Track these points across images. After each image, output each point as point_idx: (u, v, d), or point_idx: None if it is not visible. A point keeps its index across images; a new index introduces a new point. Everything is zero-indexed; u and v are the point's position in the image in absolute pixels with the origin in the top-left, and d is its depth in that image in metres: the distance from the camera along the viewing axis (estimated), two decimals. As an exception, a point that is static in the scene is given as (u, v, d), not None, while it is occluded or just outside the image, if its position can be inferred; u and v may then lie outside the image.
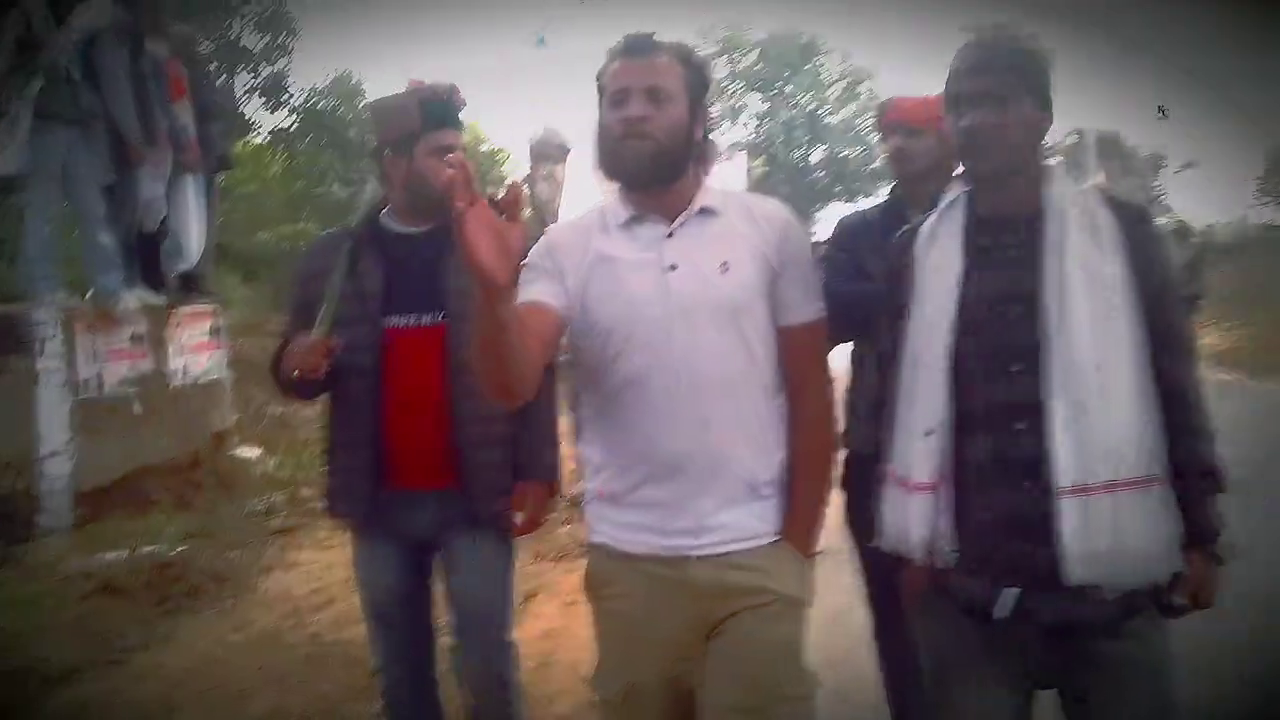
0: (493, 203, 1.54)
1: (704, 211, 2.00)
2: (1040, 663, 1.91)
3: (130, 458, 6.26)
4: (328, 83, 16.03)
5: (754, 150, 27.55)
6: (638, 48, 1.96)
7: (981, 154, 1.89)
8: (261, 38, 14.73)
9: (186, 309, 6.80)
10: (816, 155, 30.94)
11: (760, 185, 26.47)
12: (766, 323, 1.99)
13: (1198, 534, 1.87)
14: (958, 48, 1.93)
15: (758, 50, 30.79)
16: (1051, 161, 1.98)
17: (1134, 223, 1.90)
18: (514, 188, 1.60)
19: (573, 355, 2.05)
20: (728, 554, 1.94)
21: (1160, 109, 13.99)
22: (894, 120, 2.93)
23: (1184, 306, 2.01)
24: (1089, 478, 1.77)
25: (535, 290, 1.95)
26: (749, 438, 1.97)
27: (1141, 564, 1.79)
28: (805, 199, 28.79)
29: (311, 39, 15.85)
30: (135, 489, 6.27)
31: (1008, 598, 1.83)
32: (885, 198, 3.09)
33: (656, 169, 1.93)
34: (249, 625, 4.68)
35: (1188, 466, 1.88)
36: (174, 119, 6.38)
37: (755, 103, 31.31)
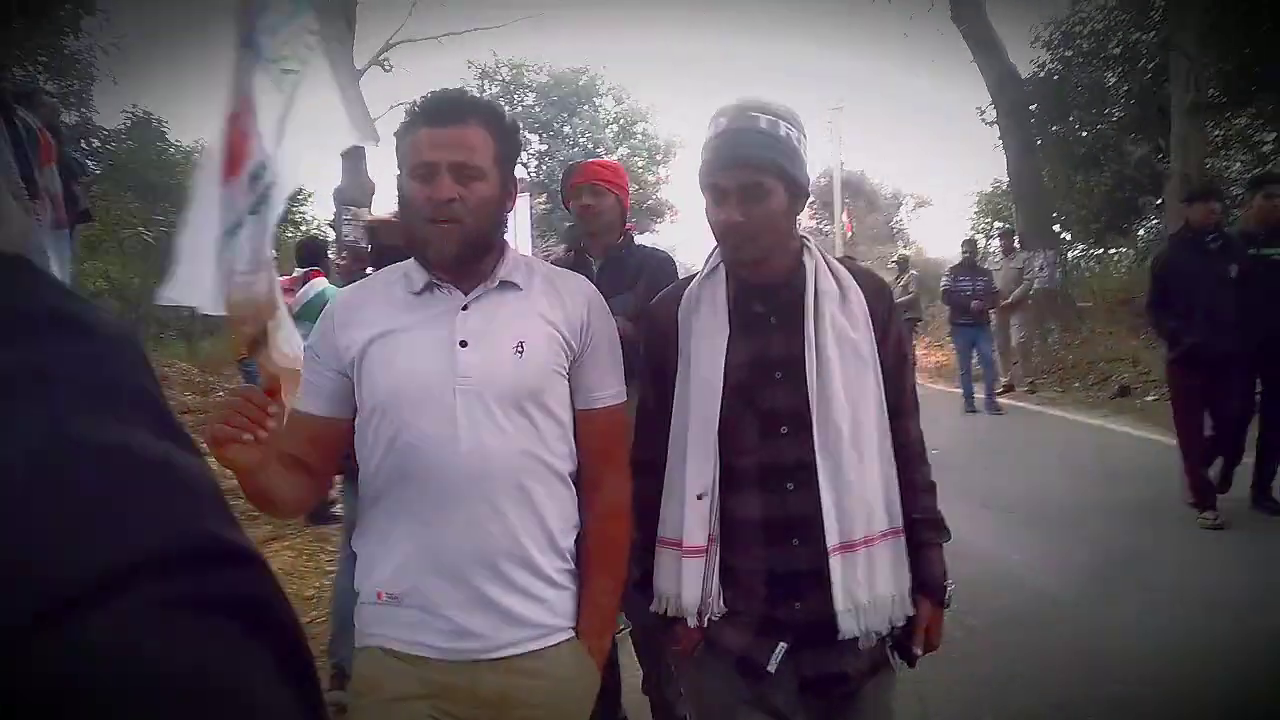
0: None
1: (504, 285, 1.85)
2: (802, 709, 1.96)
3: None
4: (127, 126, 16.40)
5: (536, 188, 29.10)
6: (445, 116, 1.77)
7: (737, 247, 1.90)
8: (57, 84, 14.91)
9: (53, 345, 7.66)
10: (595, 192, 32.41)
11: (543, 221, 28.04)
12: (563, 406, 1.87)
13: (926, 581, 1.99)
14: (709, 134, 1.89)
15: (534, 93, 32.27)
16: (805, 233, 2.01)
17: (875, 293, 1.97)
18: (269, 391, 1.69)
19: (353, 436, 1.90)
20: (519, 657, 1.80)
21: (980, 111, 16.14)
22: (581, 182, 3.44)
23: (911, 367, 2.10)
24: (850, 535, 1.85)
25: (312, 396, 1.87)
26: (540, 527, 1.82)
27: (889, 611, 1.89)
28: (586, 233, 30.39)
29: (108, 84, 15.95)
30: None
31: (779, 652, 1.89)
32: (568, 250, 3.59)
33: (465, 253, 1.78)
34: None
35: (916, 518, 1.99)
36: (46, 180, 7.32)
37: (535, 143, 32.82)
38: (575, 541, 1.92)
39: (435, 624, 1.78)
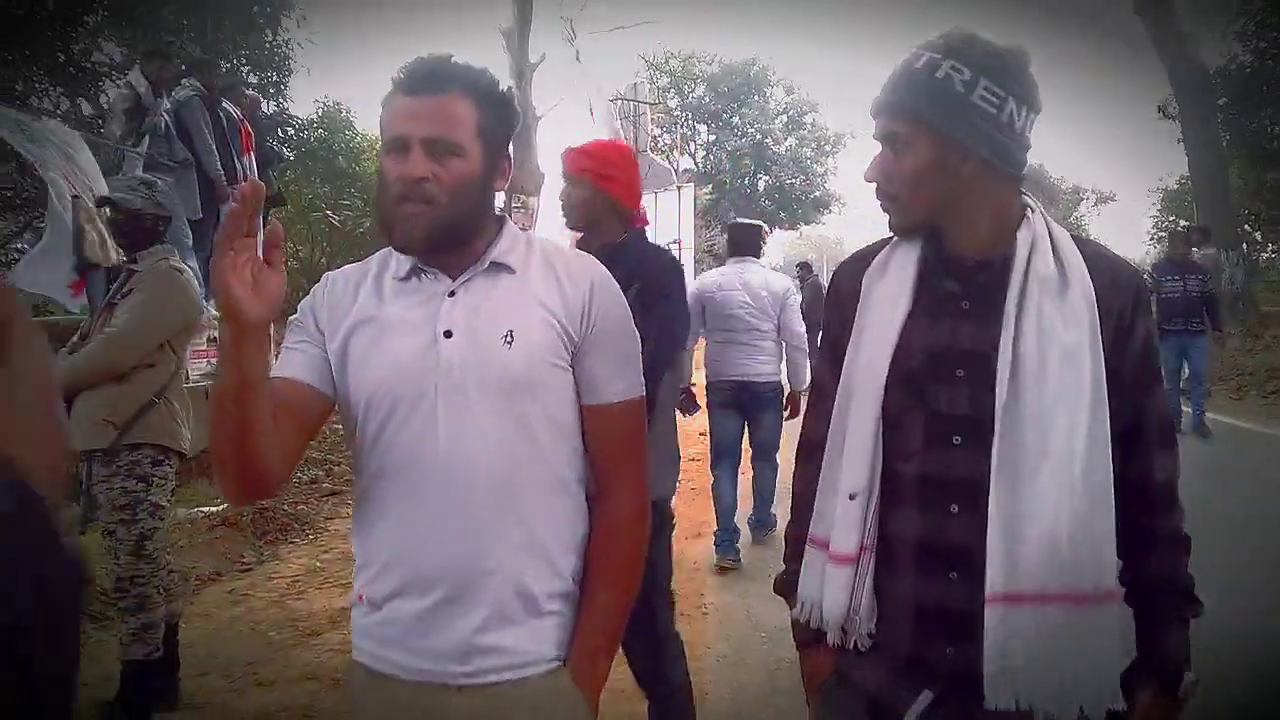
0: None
1: (495, 266, 1.66)
2: None
3: (207, 436, 7.86)
4: (318, 115, 17.45)
5: (701, 179, 29.41)
6: (421, 83, 1.59)
7: (888, 206, 1.62)
8: (257, 77, 15.96)
9: (246, 318, 8.40)
10: (762, 183, 32.64)
11: (708, 212, 28.30)
12: (562, 403, 1.66)
13: (1156, 664, 1.60)
14: None
15: (705, 83, 32.57)
16: (1029, 200, 1.62)
17: (1114, 286, 1.56)
18: (274, 231, 1.39)
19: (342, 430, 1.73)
20: (495, 684, 1.62)
21: (1161, 109, 15.60)
22: (564, 171, 3.00)
23: (1160, 386, 1.65)
24: (1021, 585, 1.47)
25: (292, 362, 1.66)
26: (530, 542, 1.62)
27: (1074, 693, 1.47)
28: (751, 224, 30.83)
29: (303, 76, 16.99)
30: (210, 461, 7.88)
31: (923, 700, 1.57)
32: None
33: (437, 239, 1.59)
34: (332, 549, 6.35)
35: (1152, 581, 1.60)
36: (245, 167, 8.03)
37: (703, 133, 33.15)
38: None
39: (405, 640, 1.62)
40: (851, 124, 33.60)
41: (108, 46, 12.08)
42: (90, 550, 5.10)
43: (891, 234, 1.68)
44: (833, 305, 1.78)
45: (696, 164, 31.83)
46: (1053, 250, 1.55)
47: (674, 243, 15.58)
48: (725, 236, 6.83)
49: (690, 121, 32.74)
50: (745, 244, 6.12)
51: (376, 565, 1.64)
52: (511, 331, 1.59)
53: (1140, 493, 1.57)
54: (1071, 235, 1.61)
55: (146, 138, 7.39)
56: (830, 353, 1.75)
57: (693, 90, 32.64)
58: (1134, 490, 1.56)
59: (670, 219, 18.83)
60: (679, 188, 21.42)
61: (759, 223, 6.74)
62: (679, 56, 31.99)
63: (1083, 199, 36.32)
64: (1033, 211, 1.60)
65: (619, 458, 1.72)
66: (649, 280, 2.79)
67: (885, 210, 1.62)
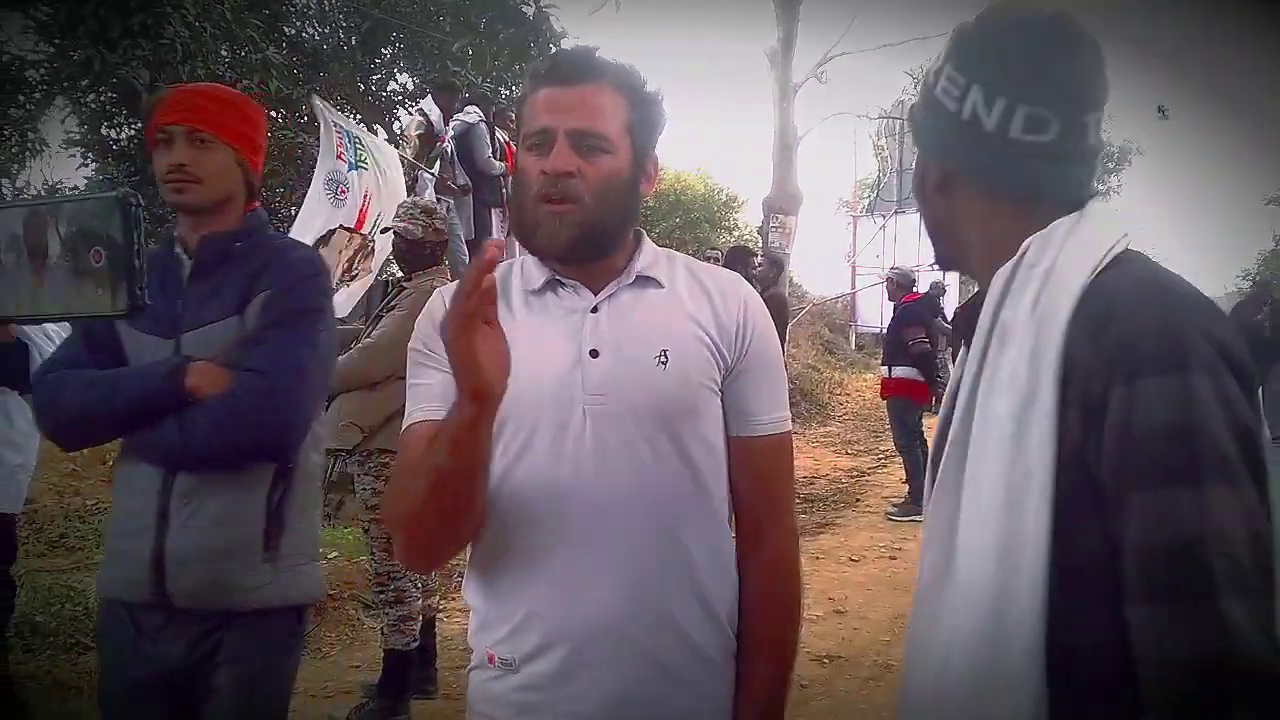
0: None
1: (642, 280, 1.49)
2: None
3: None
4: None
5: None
6: (567, 72, 1.43)
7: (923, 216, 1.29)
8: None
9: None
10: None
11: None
12: (717, 430, 1.48)
13: None
14: None
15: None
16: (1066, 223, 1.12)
17: (1098, 332, 0.98)
18: (488, 285, 1.16)
19: None
20: None
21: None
22: (170, 122, 1.94)
23: (1168, 492, 0.92)
24: None
25: (429, 401, 1.45)
26: (693, 587, 1.43)
27: None
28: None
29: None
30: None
31: None
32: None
33: (582, 244, 1.41)
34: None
35: None
36: (509, 186, 8.55)
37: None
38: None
39: (555, 705, 1.40)
40: (1136, 139, 31.45)
41: (401, 77, 13.06)
42: (350, 543, 5.60)
43: None
44: None
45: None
46: (1045, 279, 1.06)
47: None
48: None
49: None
50: None
51: (511, 620, 1.43)
52: (665, 350, 1.42)
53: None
54: (1142, 259, 1.09)
55: (438, 162, 8.04)
56: None
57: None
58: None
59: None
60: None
61: None
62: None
63: None
64: (1039, 240, 1.11)
65: (773, 497, 1.54)
66: (288, 288, 1.99)
67: None
